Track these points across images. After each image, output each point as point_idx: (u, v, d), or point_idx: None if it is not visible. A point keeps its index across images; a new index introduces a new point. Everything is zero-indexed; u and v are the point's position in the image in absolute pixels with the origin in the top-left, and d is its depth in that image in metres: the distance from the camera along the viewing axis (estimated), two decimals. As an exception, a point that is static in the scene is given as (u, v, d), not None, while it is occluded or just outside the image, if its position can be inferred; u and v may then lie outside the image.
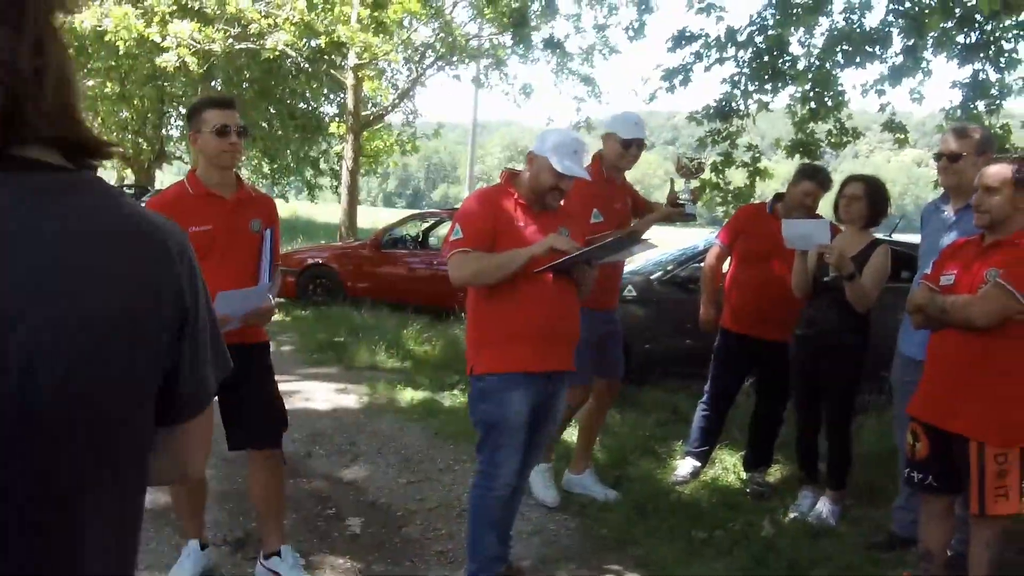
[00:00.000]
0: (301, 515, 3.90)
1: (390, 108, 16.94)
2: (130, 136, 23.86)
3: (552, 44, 9.97)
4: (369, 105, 17.47)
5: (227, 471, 4.29)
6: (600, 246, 2.97)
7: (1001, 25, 8.20)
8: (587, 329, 3.44)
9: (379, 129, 18.10)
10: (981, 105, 8.41)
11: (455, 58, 16.72)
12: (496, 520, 3.06)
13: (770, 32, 7.91)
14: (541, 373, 2.97)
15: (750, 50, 8.07)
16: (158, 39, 13.64)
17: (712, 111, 8.25)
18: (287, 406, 3.22)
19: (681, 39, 8.16)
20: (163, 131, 23.98)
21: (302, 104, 19.72)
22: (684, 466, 4.62)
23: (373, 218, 28.24)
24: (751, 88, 8.14)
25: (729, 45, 8.06)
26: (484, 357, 2.96)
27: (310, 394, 6.21)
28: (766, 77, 8.06)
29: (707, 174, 8.35)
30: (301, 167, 22.23)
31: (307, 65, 16.06)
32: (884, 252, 3.98)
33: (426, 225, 11.75)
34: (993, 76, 8.35)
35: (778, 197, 4.58)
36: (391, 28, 14.28)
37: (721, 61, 8.06)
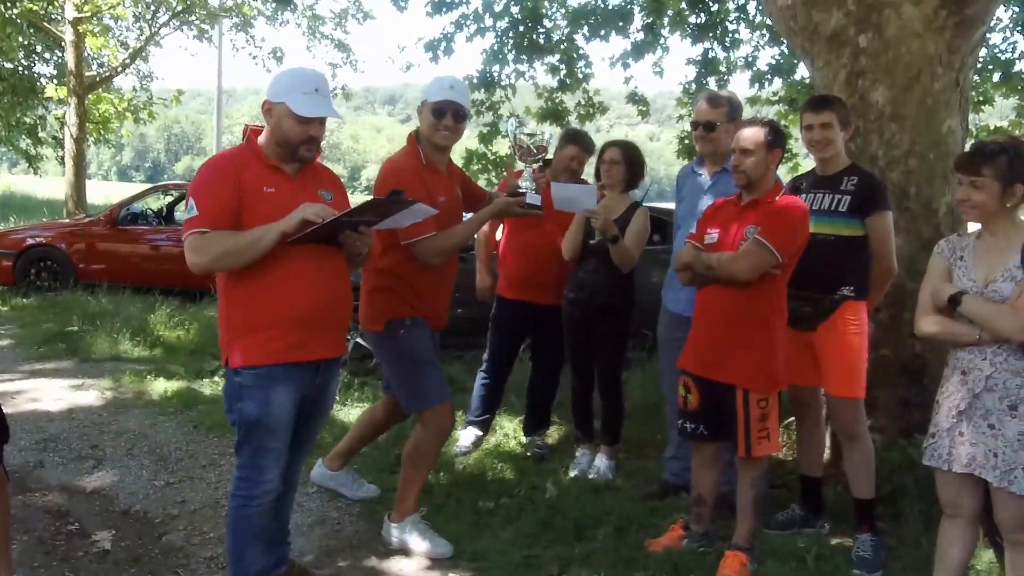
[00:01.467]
0: (34, 536, 3.33)
1: (120, 69, 15.20)
2: None
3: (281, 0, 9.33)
4: (95, 66, 15.58)
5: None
6: (359, 208, 2.57)
7: (725, 7, 9.00)
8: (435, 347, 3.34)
9: (107, 93, 16.17)
10: (712, 81, 9.23)
11: (194, 17, 15.38)
12: (260, 532, 2.68)
13: (525, 3, 8.06)
14: (307, 363, 2.60)
15: (506, 20, 8.16)
16: None
17: (475, 81, 8.25)
18: (8, 409, 2.69)
19: (441, 6, 8.06)
20: None
21: (9, 63, 17.13)
22: (466, 436, 4.57)
23: (107, 193, 25.48)
24: (510, 58, 8.24)
25: (487, 15, 8.10)
26: (239, 348, 2.55)
27: (38, 394, 5.37)
28: (523, 47, 8.20)
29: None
30: (13, 135, 19.37)
31: (12, 16, 13.89)
32: (643, 215, 4.15)
33: (170, 199, 10.71)
34: (721, 54, 9.17)
35: (546, 163, 4.62)
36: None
37: (482, 32, 8.07)
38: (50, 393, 5.40)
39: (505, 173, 4.72)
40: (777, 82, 9.37)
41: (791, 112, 9.14)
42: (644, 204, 4.33)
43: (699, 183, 3.85)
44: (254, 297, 2.52)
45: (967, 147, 3.79)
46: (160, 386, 5.53)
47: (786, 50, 9.13)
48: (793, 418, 3.90)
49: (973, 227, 2.87)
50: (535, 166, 3.17)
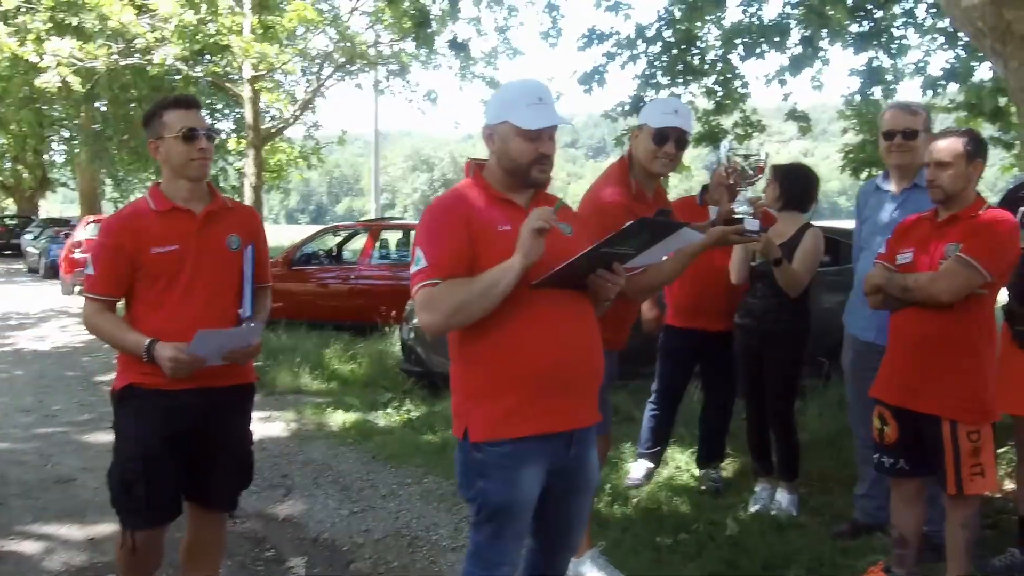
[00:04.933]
0: (236, 561, 3.55)
1: (291, 120, 16.37)
2: (8, 164, 22.31)
3: (456, 45, 9.70)
4: (267, 119, 16.86)
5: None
6: (620, 235, 2.09)
7: (891, 13, 8.51)
8: None
9: (279, 142, 17.46)
10: (878, 91, 8.72)
11: (355, 67, 16.33)
12: None
13: (677, 26, 7.97)
14: (560, 433, 2.19)
15: (659, 44, 8.10)
16: (34, 58, 12.78)
17: (627, 108, 8.22)
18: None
19: (592, 38, 8.12)
20: (44, 157, 22.56)
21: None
22: (637, 469, 4.48)
23: (278, 236, 27.38)
24: (664, 82, 8.16)
25: (639, 41, 8.07)
26: (481, 417, 2.15)
27: (232, 425, 5.79)
28: (677, 71, 8.10)
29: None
30: (200, 188, 21.30)
31: (197, 76, 15.26)
32: (814, 235, 3.96)
33: (339, 239, 11.36)
34: (887, 62, 8.66)
35: (705, 188, 4.52)
36: (280, 37, 13.72)
37: (634, 59, 8.04)
38: (242, 425, 5.80)
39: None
40: (952, 88, 8.73)
41: (972, 118, 8.46)
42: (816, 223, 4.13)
43: (887, 200, 3.60)
44: (497, 354, 2.14)
45: None
46: (339, 418, 5.81)
47: (962, 52, 8.50)
48: (1006, 448, 3.55)
49: None
50: (751, 190, 2.82)
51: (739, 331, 4.10)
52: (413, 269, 2.16)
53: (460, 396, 2.23)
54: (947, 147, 2.80)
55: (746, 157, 2.79)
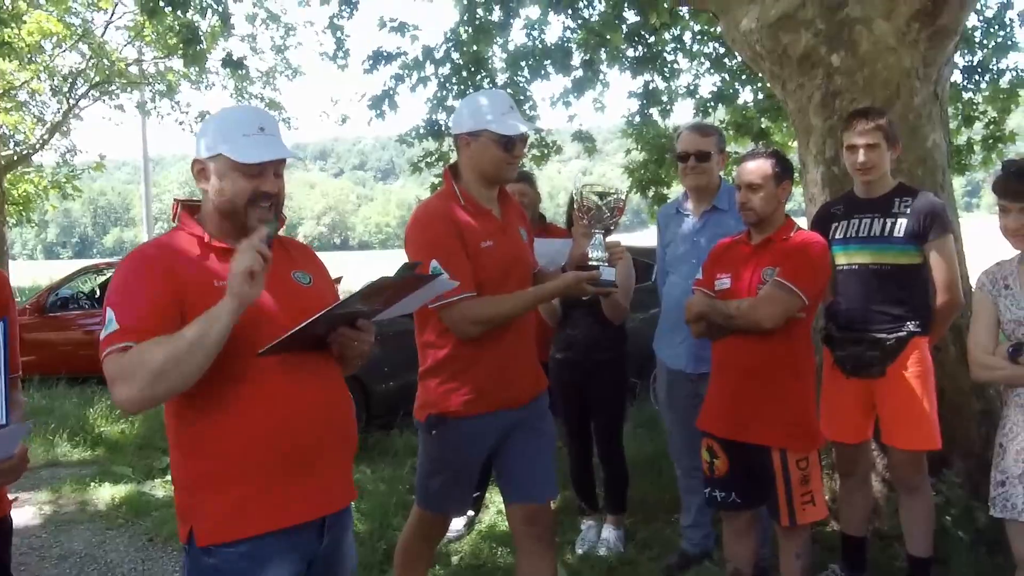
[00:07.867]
0: None
1: (39, 145, 14.49)
2: None
3: (232, 63, 8.92)
4: (11, 144, 14.84)
5: None
6: (366, 291, 1.79)
7: (662, 38, 8.97)
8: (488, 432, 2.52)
9: (26, 171, 15.40)
10: (655, 112, 9.16)
11: (114, 87, 14.82)
12: None
13: (465, 48, 7.86)
14: (308, 523, 1.83)
15: (448, 66, 7.94)
16: None
17: (423, 131, 7.98)
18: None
19: (378, 59, 7.80)
20: None
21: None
22: (457, 519, 4.15)
23: (33, 274, 24.37)
24: (456, 105, 8.00)
25: (427, 63, 7.86)
26: (207, 513, 1.76)
27: (-35, 516, 4.76)
28: (467, 93, 7.98)
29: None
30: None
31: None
32: (627, 261, 3.86)
33: (102, 278, 10.08)
34: (662, 85, 9.12)
35: None
36: (18, 52, 12.09)
37: (423, 81, 7.82)
38: (-21, 514, 4.79)
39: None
40: (721, 110, 9.36)
41: (739, 137, 9.10)
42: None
43: (687, 225, 3.57)
44: (218, 438, 1.76)
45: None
46: (106, 493, 4.95)
47: (727, 76, 9.12)
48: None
49: (1006, 250, 2.64)
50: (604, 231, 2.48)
51: (559, 366, 3.89)
52: (104, 332, 1.72)
53: (182, 492, 1.83)
54: (756, 169, 2.75)
55: (602, 196, 2.43)
